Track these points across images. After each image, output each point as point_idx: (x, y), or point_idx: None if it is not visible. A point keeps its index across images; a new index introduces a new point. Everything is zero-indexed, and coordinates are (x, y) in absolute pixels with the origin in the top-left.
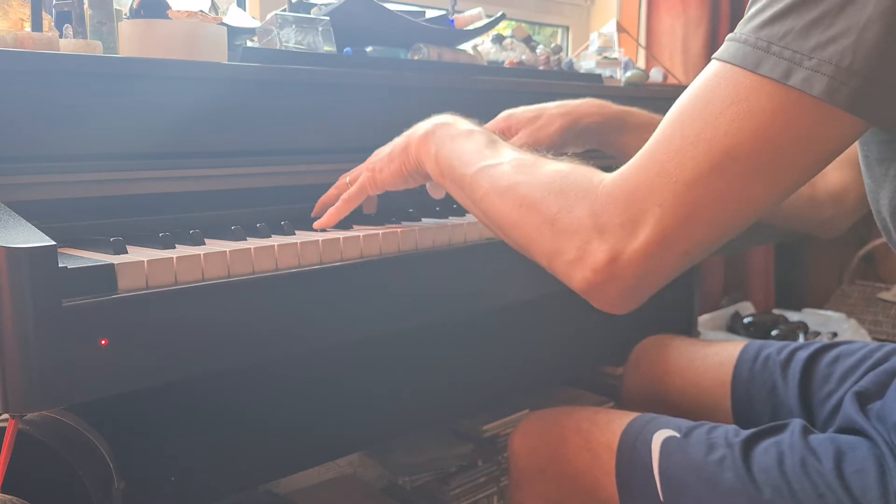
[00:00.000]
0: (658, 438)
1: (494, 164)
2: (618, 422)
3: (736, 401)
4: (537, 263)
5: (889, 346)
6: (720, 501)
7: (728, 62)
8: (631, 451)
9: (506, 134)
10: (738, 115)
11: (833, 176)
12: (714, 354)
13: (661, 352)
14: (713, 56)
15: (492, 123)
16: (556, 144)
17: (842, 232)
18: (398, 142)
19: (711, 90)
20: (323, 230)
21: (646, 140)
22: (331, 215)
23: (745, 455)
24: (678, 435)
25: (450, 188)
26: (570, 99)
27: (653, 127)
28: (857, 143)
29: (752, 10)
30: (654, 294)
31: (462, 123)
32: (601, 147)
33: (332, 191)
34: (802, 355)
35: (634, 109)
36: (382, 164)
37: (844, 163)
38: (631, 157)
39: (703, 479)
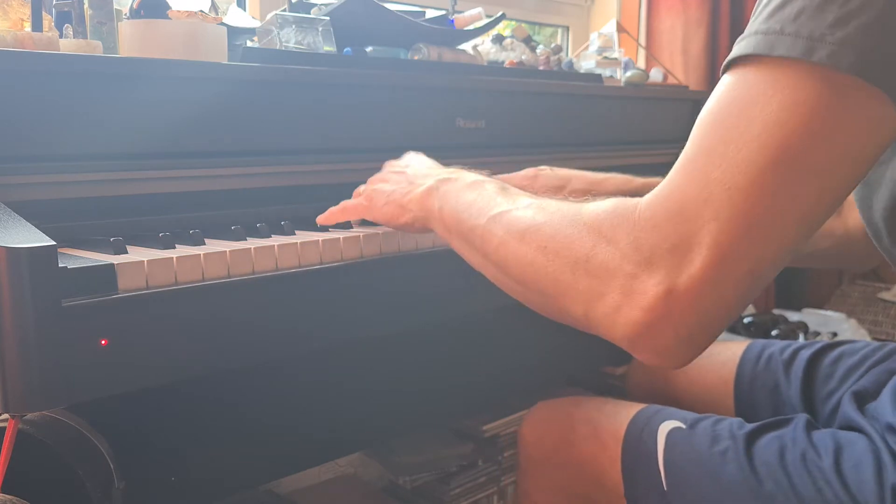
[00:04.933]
0: (664, 429)
1: (510, 209)
2: (625, 412)
3: (739, 399)
4: (570, 324)
5: (891, 346)
6: (722, 493)
7: (741, 55)
8: (637, 440)
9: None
10: (784, 104)
11: None
12: (718, 353)
13: None
14: (724, 64)
15: (516, 177)
16: None
17: (876, 264)
18: (400, 185)
19: (743, 91)
20: (324, 229)
21: None
22: (332, 213)
23: (747, 448)
24: (684, 426)
25: (458, 245)
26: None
27: None
28: None
29: (758, 9)
30: (712, 342)
31: (468, 175)
32: None
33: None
34: (805, 354)
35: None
36: (380, 198)
37: None
38: None
39: (706, 470)
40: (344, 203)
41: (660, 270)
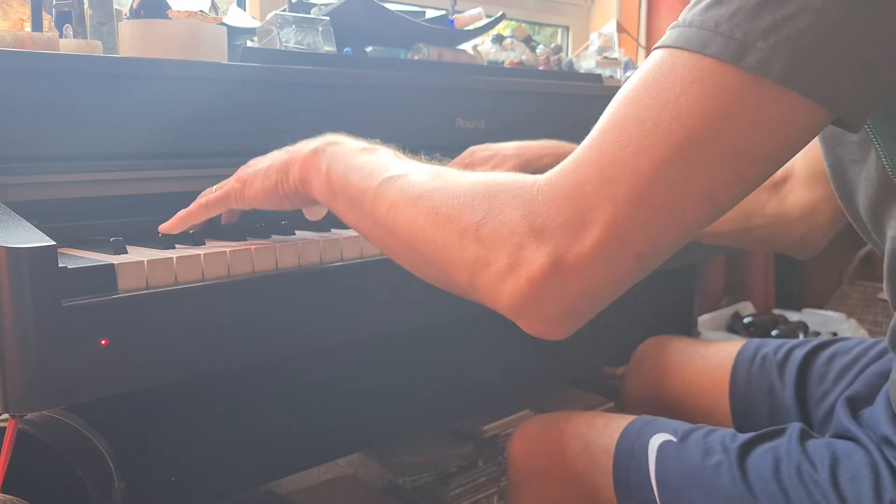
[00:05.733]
0: (654, 442)
1: (404, 174)
2: (615, 425)
3: (734, 403)
4: (457, 292)
5: (884, 343)
6: None
7: (673, 47)
8: (628, 455)
9: None
10: (700, 95)
11: (803, 193)
12: (712, 355)
13: (661, 353)
14: (655, 46)
15: (456, 160)
16: None
17: (818, 250)
18: (278, 156)
19: (665, 74)
20: (326, 228)
21: None
22: (180, 218)
23: (741, 461)
24: (674, 439)
25: (344, 209)
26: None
27: None
28: (822, 152)
29: None
30: (593, 316)
31: (359, 142)
32: None
33: (194, 203)
34: (799, 354)
35: None
36: (256, 177)
37: (815, 179)
38: None
39: (699, 484)
40: (203, 199)
41: (549, 243)
